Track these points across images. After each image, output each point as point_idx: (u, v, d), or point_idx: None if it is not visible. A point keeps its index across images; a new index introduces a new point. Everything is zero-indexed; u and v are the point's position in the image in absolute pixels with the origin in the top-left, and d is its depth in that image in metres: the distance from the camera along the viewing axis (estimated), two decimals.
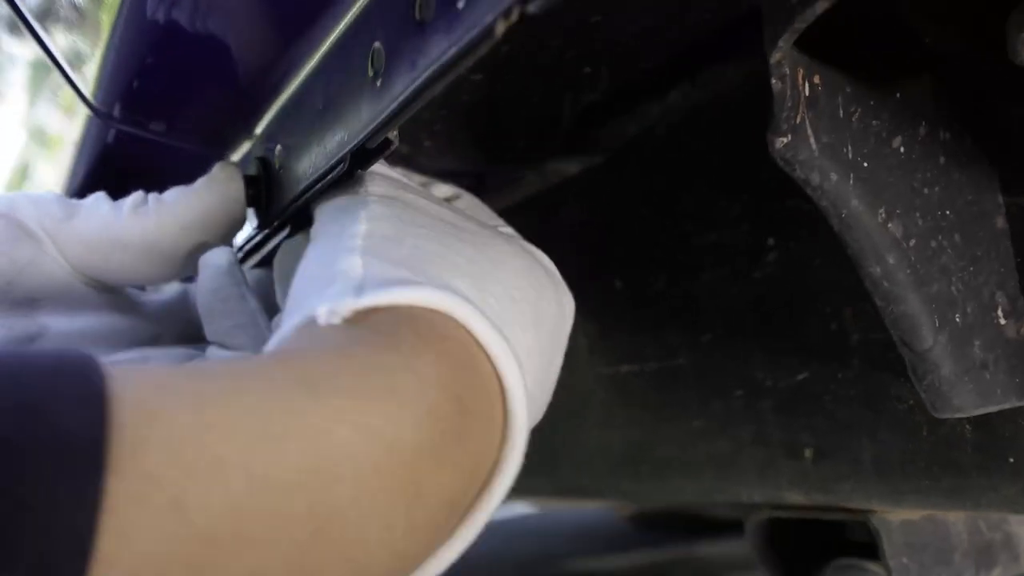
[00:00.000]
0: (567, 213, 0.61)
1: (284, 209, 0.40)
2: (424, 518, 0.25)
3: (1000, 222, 0.38)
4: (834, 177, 0.34)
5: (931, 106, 0.37)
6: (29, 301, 0.39)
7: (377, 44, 0.31)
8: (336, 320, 0.26)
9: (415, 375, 0.25)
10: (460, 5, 0.26)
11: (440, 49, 0.27)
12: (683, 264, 0.53)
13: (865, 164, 0.35)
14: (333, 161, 0.34)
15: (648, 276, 0.56)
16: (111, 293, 0.41)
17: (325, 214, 0.35)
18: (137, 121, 0.45)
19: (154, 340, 0.43)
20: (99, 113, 0.45)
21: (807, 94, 0.33)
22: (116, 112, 0.45)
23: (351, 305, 0.26)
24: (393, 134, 0.33)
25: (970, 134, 0.38)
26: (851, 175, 0.34)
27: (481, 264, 0.33)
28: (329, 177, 0.35)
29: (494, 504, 0.29)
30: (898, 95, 0.36)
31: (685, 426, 0.54)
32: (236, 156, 0.46)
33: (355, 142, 0.32)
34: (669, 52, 0.48)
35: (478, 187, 0.58)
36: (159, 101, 0.44)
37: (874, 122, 0.35)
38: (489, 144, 0.53)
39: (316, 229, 0.35)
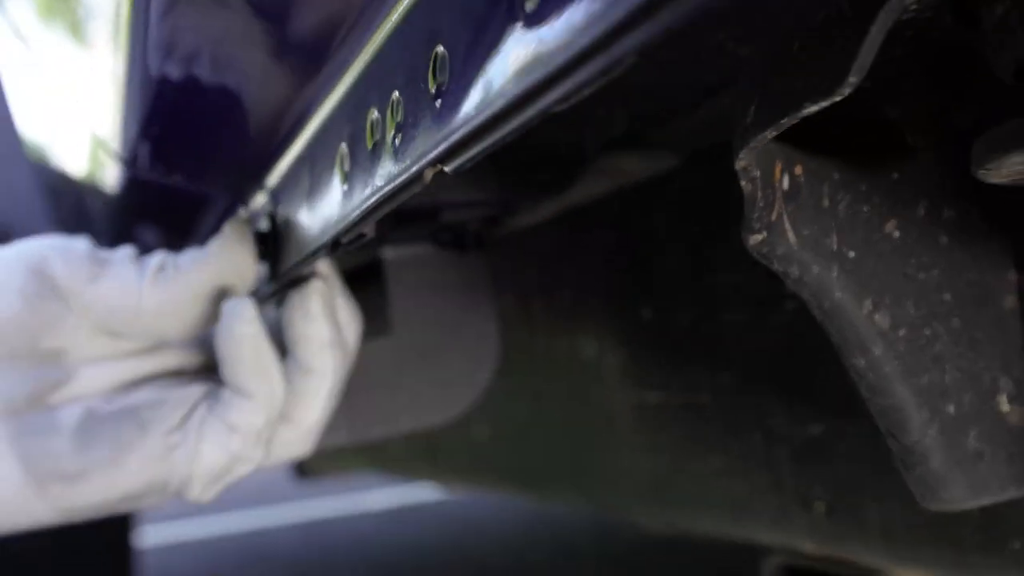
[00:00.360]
0: (600, 235, 0.61)
1: (284, 273, 0.42)
2: None
3: (1009, 301, 0.37)
4: (815, 270, 0.33)
5: (933, 183, 0.35)
6: (56, 352, 0.42)
7: (344, 147, 0.32)
8: None
9: None
10: (397, 143, 0.27)
11: (383, 179, 0.28)
12: (708, 302, 0.53)
13: (852, 254, 0.34)
14: (315, 246, 0.36)
15: (675, 309, 0.56)
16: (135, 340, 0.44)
17: None
18: (157, 170, 0.47)
19: (176, 373, 0.45)
20: (123, 161, 0.47)
21: (786, 188, 0.32)
22: (139, 160, 0.47)
23: None
24: (368, 227, 0.34)
25: (978, 208, 0.36)
26: (835, 267, 0.34)
27: None
28: (315, 257, 0.37)
29: None
30: (895, 176, 0.35)
31: (705, 463, 0.55)
32: (256, 202, 0.48)
33: (329, 236, 0.34)
34: (689, 92, 0.47)
35: (505, 212, 0.59)
36: (174, 154, 0.46)
37: (865, 208, 0.34)
38: (510, 178, 0.54)
39: None
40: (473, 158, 0.23)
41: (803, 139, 0.33)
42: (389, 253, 0.60)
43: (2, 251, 0.42)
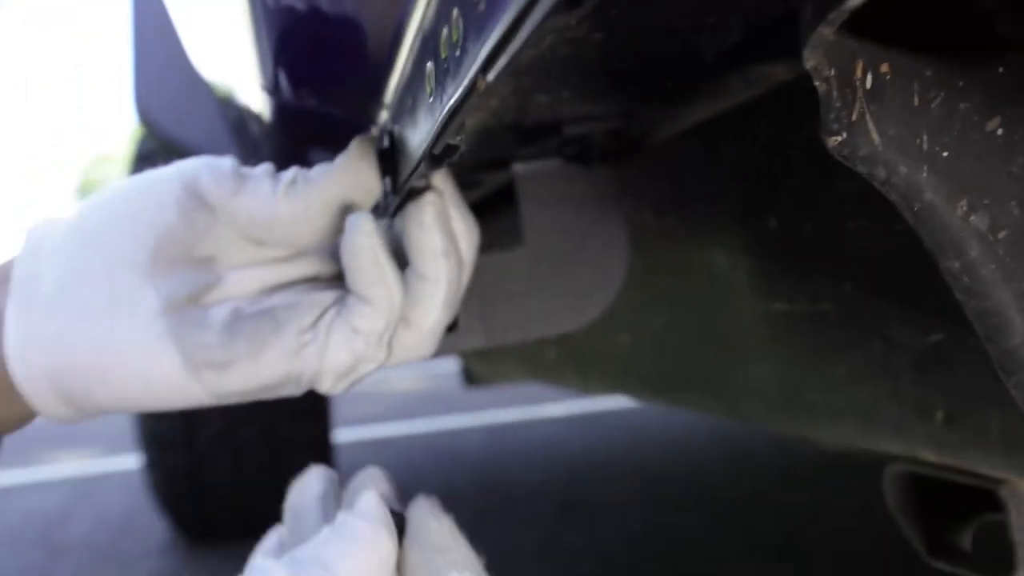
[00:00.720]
0: (729, 147, 0.60)
1: (401, 187, 0.44)
2: None
3: None
4: (903, 171, 0.32)
5: None
6: (209, 258, 0.46)
7: (430, 65, 0.33)
8: None
9: None
10: (458, 55, 0.28)
11: (452, 90, 0.29)
12: (830, 209, 0.51)
13: (945, 154, 0.32)
14: (415, 161, 0.38)
15: (800, 217, 0.54)
16: (276, 248, 0.48)
17: None
18: (294, 95, 0.50)
19: (313, 279, 0.49)
20: (265, 89, 0.51)
21: (869, 87, 0.31)
22: (280, 88, 0.51)
23: None
24: (458, 138, 0.35)
25: None
26: (924, 167, 0.32)
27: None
28: (417, 171, 0.39)
29: None
30: (1000, 69, 0.32)
31: (830, 372, 0.54)
32: (381, 120, 0.51)
33: (423, 149, 0.36)
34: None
35: (629, 124, 0.59)
36: (304, 78, 0.49)
37: (962, 105, 0.32)
38: (629, 89, 0.53)
39: None
40: (507, 67, 0.24)
41: (893, 37, 0.31)
42: (520, 168, 0.61)
43: (162, 170, 0.46)
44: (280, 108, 0.55)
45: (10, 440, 0.48)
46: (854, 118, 0.31)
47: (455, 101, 0.28)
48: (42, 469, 2.48)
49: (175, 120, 1.14)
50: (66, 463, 2.55)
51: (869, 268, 0.49)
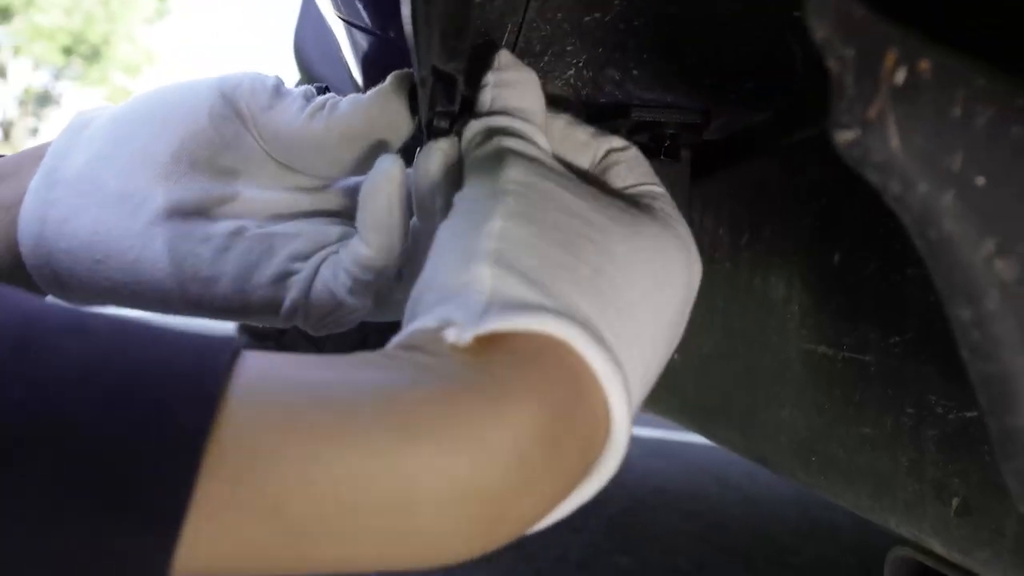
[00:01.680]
0: (811, 170, 0.54)
1: (424, 127, 0.41)
2: (507, 531, 0.26)
3: None
4: (922, 189, 0.26)
5: None
6: (230, 171, 0.45)
7: None
8: (461, 343, 0.27)
9: (511, 429, 0.26)
10: None
11: None
12: (895, 253, 0.45)
13: (980, 180, 0.26)
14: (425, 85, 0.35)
15: (863, 256, 0.48)
16: (301, 174, 0.46)
17: (462, 196, 0.35)
18: (374, 26, 0.48)
19: (332, 216, 0.47)
20: (344, 20, 0.49)
21: (899, 83, 0.25)
22: (359, 20, 0.49)
23: (474, 331, 0.27)
24: (451, 65, 0.32)
25: None
26: (950, 191, 0.26)
27: (607, 274, 0.31)
28: (425, 105, 0.36)
29: (581, 499, 0.30)
30: None
31: (857, 430, 0.47)
32: None
33: (427, 67, 0.32)
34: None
35: (704, 122, 0.53)
36: (377, 11, 0.47)
37: (1017, 129, 0.26)
38: (706, 82, 0.48)
39: (453, 208, 0.35)
40: None
41: (946, 31, 0.26)
42: None
43: (209, 77, 0.45)
44: (353, 36, 0.53)
45: None
46: (872, 115, 0.25)
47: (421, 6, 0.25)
48: None
49: (318, 60, 1.16)
50: None
51: (921, 324, 0.43)
